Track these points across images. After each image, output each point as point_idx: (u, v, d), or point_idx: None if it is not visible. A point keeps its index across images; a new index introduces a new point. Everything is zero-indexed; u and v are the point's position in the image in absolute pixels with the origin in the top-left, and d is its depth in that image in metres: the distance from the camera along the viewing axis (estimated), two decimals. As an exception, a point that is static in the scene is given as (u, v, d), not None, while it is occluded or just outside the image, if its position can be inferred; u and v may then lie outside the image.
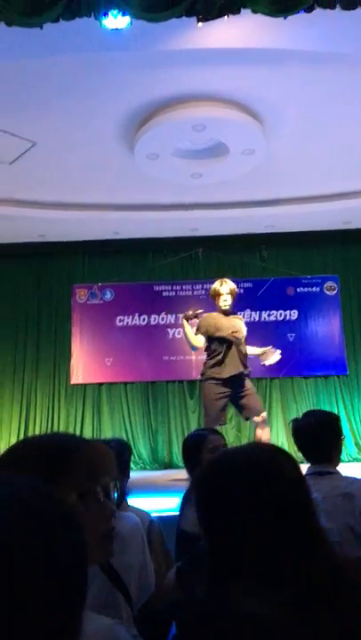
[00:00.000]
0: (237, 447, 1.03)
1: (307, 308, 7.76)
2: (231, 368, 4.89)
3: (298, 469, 0.93)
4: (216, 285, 5.14)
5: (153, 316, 7.74)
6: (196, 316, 5.14)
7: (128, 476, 2.06)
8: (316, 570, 0.80)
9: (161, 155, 5.54)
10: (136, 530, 1.48)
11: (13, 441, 1.00)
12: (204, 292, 7.26)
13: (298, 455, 2.22)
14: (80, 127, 5.24)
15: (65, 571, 0.50)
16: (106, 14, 3.45)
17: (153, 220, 7.10)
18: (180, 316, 5.08)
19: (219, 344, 4.96)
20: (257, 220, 7.24)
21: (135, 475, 4.83)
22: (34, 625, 0.46)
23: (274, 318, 7.67)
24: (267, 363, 5.33)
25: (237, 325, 5.06)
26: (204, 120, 5.01)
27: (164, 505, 3.60)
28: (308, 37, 4.01)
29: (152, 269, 7.92)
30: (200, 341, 5.03)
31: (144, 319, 7.75)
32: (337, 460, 2.11)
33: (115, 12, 3.43)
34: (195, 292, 7.72)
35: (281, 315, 7.73)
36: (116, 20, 3.54)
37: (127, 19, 3.55)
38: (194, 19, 3.49)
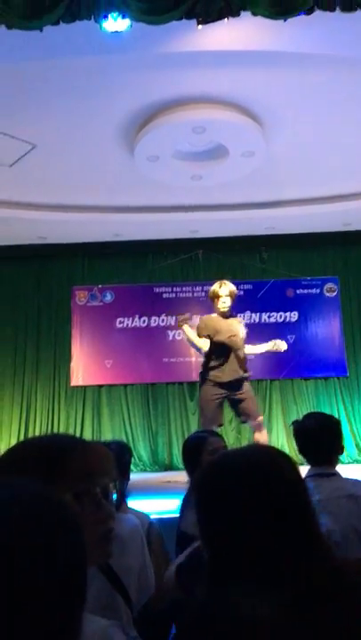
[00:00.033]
0: (237, 449, 1.03)
1: (307, 309, 7.77)
2: (231, 372, 4.88)
3: (297, 471, 0.93)
4: (215, 287, 5.11)
5: (153, 318, 7.74)
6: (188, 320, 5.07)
7: (128, 479, 2.06)
8: (316, 571, 0.80)
9: (161, 157, 5.54)
10: (135, 532, 1.48)
11: (14, 443, 1.00)
12: (203, 293, 7.25)
13: (298, 457, 2.23)
14: (80, 129, 5.25)
15: (65, 572, 0.50)
16: (106, 17, 3.46)
17: (153, 222, 7.10)
18: (181, 319, 5.01)
19: (217, 348, 4.95)
20: (257, 222, 7.25)
21: (135, 476, 4.83)
22: (34, 626, 0.46)
23: (274, 320, 7.67)
24: (281, 350, 5.31)
25: (236, 329, 5.03)
26: (204, 122, 5.02)
27: (164, 507, 3.60)
28: (307, 40, 4.02)
29: (152, 271, 7.92)
30: (206, 343, 4.97)
31: (144, 321, 7.76)
32: (336, 462, 2.12)
33: (115, 14, 3.43)
34: (195, 294, 7.72)
35: (281, 316, 7.73)
36: (115, 23, 3.55)
37: (127, 21, 3.56)
38: (194, 21, 3.50)
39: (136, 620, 1.26)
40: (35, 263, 7.96)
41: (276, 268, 7.83)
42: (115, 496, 0.89)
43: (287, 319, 7.74)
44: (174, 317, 5.08)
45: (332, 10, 3.35)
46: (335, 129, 5.33)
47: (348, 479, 2.05)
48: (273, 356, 7.46)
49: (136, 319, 7.75)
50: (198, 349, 5.02)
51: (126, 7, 3.29)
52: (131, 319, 7.75)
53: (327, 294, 7.81)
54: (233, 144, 5.39)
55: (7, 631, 0.45)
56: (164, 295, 7.83)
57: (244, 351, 5.04)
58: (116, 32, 3.66)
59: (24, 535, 0.49)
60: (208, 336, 4.94)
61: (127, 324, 7.75)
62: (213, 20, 3.43)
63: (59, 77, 4.44)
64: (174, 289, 7.84)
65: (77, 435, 6.98)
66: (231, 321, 5.06)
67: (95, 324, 7.73)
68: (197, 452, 2.22)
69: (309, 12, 3.36)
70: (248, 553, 0.82)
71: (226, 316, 5.04)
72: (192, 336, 4.93)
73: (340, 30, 3.88)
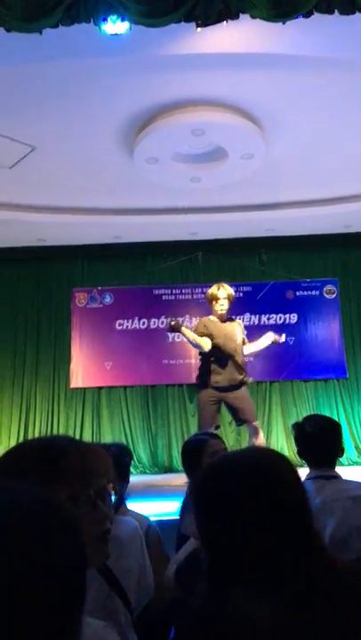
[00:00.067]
0: (236, 451, 1.04)
1: (306, 311, 7.77)
2: (229, 377, 4.90)
3: (295, 473, 0.94)
4: (213, 290, 5.11)
5: (153, 320, 7.75)
6: (179, 328, 5.01)
7: (128, 481, 2.06)
8: (315, 570, 0.81)
9: (160, 159, 5.55)
10: (135, 534, 1.48)
11: (13, 445, 1.00)
12: (203, 295, 7.20)
13: (297, 459, 2.24)
14: (79, 131, 5.26)
15: (64, 574, 0.50)
16: (105, 20, 3.47)
17: (152, 224, 7.11)
18: (174, 324, 4.97)
19: (214, 351, 4.95)
20: (256, 224, 7.26)
21: (135, 479, 4.83)
22: (34, 628, 0.47)
23: (273, 322, 7.66)
24: (281, 341, 5.28)
25: (233, 332, 5.04)
26: (203, 124, 5.03)
27: (164, 509, 3.60)
28: (307, 42, 4.02)
29: (152, 273, 7.93)
30: (208, 342, 4.96)
31: (144, 323, 7.76)
32: (335, 464, 2.13)
33: (114, 17, 3.44)
34: (194, 296, 7.73)
35: (281, 318, 7.73)
36: (115, 26, 3.56)
37: (126, 24, 3.56)
38: (193, 24, 3.51)
39: (136, 623, 1.26)
40: (34, 265, 7.96)
41: (275, 270, 7.84)
42: (113, 497, 0.89)
43: (287, 321, 7.74)
44: (165, 324, 4.95)
45: (331, 12, 3.36)
46: (335, 131, 5.33)
47: (350, 481, 2.06)
48: (273, 358, 7.52)
49: (136, 321, 7.76)
50: (201, 348, 4.98)
51: (125, 10, 3.30)
52: (130, 321, 7.76)
53: (327, 296, 7.82)
54: (232, 146, 5.39)
55: (8, 633, 0.45)
56: (164, 297, 7.83)
57: (241, 356, 5.03)
58: (116, 34, 3.66)
59: (24, 538, 0.49)
60: (209, 335, 4.94)
61: (127, 326, 7.75)
62: (212, 23, 3.43)
63: (58, 79, 4.44)
64: (174, 291, 7.84)
65: (77, 437, 6.98)
66: (228, 324, 5.07)
67: (95, 325, 7.73)
68: (198, 455, 2.23)
69: (308, 14, 3.37)
70: (248, 554, 0.83)
71: (223, 319, 5.05)
72: (192, 336, 4.92)
73: (339, 33, 3.89)
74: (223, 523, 0.87)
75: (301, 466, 2.06)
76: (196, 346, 4.97)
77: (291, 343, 7.66)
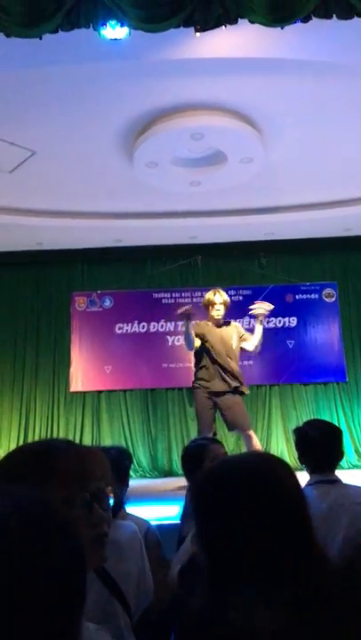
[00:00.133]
0: (236, 455, 1.05)
1: (306, 314, 7.77)
2: (218, 383, 4.94)
3: (294, 476, 0.96)
4: (210, 295, 5.18)
5: (152, 324, 7.75)
6: (189, 316, 5.03)
7: (127, 485, 2.06)
8: (315, 571, 0.81)
9: (160, 163, 5.56)
10: (134, 538, 1.48)
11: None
12: (202, 299, 7.27)
13: (297, 463, 2.24)
14: (79, 136, 5.27)
15: (64, 577, 0.50)
16: (104, 25, 3.48)
17: (152, 228, 7.12)
18: (179, 314, 5.02)
19: (206, 355, 5.01)
20: (256, 228, 7.27)
21: (135, 482, 4.82)
22: (34, 630, 0.47)
23: (273, 325, 7.66)
24: (266, 310, 5.19)
25: (228, 337, 5.08)
26: (203, 129, 5.04)
27: (164, 513, 3.59)
28: (306, 47, 4.04)
29: (151, 277, 7.93)
30: (195, 342, 5.05)
31: (143, 326, 7.76)
32: (335, 469, 2.14)
33: (113, 23, 3.46)
34: (194, 300, 7.71)
35: (280, 322, 7.73)
36: (114, 31, 3.58)
37: (126, 29, 3.58)
38: (192, 29, 3.52)
39: (136, 627, 1.26)
40: (34, 269, 7.96)
41: (275, 274, 7.84)
42: (112, 501, 0.89)
43: (286, 324, 7.74)
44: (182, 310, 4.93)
45: (329, 17, 3.38)
46: (334, 134, 5.35)
47: (352, 486, 2.07)
48: (272, 361, 7.53)
49: (135, 325, 7.76)
50: (189, 343, 5.04)
51: (124, 15, 3.31)
52: (130, 325, 7.76)
53: (326, 299, 7.82)
54: (231, 150, 5.41)
55: (8, 635, 0.45)
56: (164, 301, 7.83)
57: (237, 363, 5.06)
58: (115, 39, 3.68)
59: (24, 541, 0.49)
60: (201, 337, 5.00)
61: (126, 330, 7.75)
62: (211, 28, 3.45)
63: (58, 84, 4.46)
64: (173, 294, 7.84)
65: (77, 441, 6.97)
66: (224, 329, 5.12)
67: (94, 329, 7.73)
68: (198, 460, 2.22)
69: (306, 19, 3.38)
70: (248, 555, 0.83)
71: (219, 324, 5.10)
72: (190, 330, 4.99)
73: (338, 37, 3.91)
74: (223, 524, 0.87)
75: (301, 470, 2.07)
76: (187, 337, 5.02)
77: (290, 347, 7.67)
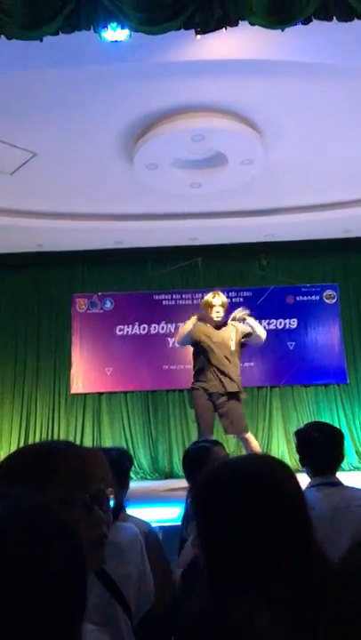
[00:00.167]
0: (237, 457, 1.05)
1: (306, 316, 7.77)
2: (214, 384, 4.97)
3: (294, 477, 0.96)
4: (209, 297, 5.22)
5: (153, 325, 7.75)
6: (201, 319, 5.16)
7: (127, 486, 2.05)
8: (315, 570, 0.81)
9: (160, 165, 5.57)
10: (135, 540, 1.48)
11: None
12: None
13: (297, 465, 2.24)
14: (80, 138, 5.28)
15: (64, 580, 0.50)
16: (105, 27, 3.49)
17: (152, 230, 7.12)
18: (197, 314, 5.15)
19: (204, 357, 5.04)
20: (256, 229, 7.27)
21: (135, 484, 4.82)
22: (34, 634, 0.47)
23: (274, 327, 7.66)
24: (246, 318, 5.17)
25: (227, 338, 5.10)
26: (203, 130, 5.05)
27: (165, 515, 3.59)
28: (305, 49, 4.05)
29: (152, 278, 7.93)
30: (185, 339, 5.15)
31: (144, 328, 7.76)
32: (336, 471, 2.15)
33: (113, 25, 3.46)
34: (194, 301, 7.71)
35: (281, 323, 7.73)
36: (115, 33, 3.58)
37: (126, 32, 3.58)
38: (192, 31, 3.53)
39: (136, 630, 1.26)
40: (34, 271, 7.96)
41: (275, 275, 7.84)
42: (112, 502, 0.89)
43: (287, 326, 7.74)
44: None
45: (330, 19, 3.38)
46: (335, 136, 5.35)
47: (354, 488, 2.08)
48: (273, 363, 7.53)
49: (136, 326, 7.76)
50: (185, 339, 5.14)
51: (125, 18, 3.32)
52: (131, 326, 7.76)
53: (326, 301, 7.82)
54: (232, 152, 5.41)
55: (8, 638, 0.45)
56: (164, 302, 7.84)
57: (236, 366, 5.07)
58: (116, 41, 3.69)
59: (24, 544, 0.49)
60: (197, 340, 5.05)
61: (127, 332, 7.75)
62: (212, 30, 3.45)
63: (59, 86, 4.47)
64: (174, 296, 7.85)
65: (78, 443, 6.96)
66: (223, 331, 5.14)
67: (95, 331, 7.73)
68: (200, 462, 2.22)
69: (307, 21, 3.39)
70: (248, 555, 0.83)
71: (218, 326, 5.13)
72: (189, 327, 5.05)
73: (339, 39, 3.91)
74: (223, 524, 0.88)
75: (301, 472, 2.07)
76: (180, 334, 5.18)
77: (291, 348, 7.66)
